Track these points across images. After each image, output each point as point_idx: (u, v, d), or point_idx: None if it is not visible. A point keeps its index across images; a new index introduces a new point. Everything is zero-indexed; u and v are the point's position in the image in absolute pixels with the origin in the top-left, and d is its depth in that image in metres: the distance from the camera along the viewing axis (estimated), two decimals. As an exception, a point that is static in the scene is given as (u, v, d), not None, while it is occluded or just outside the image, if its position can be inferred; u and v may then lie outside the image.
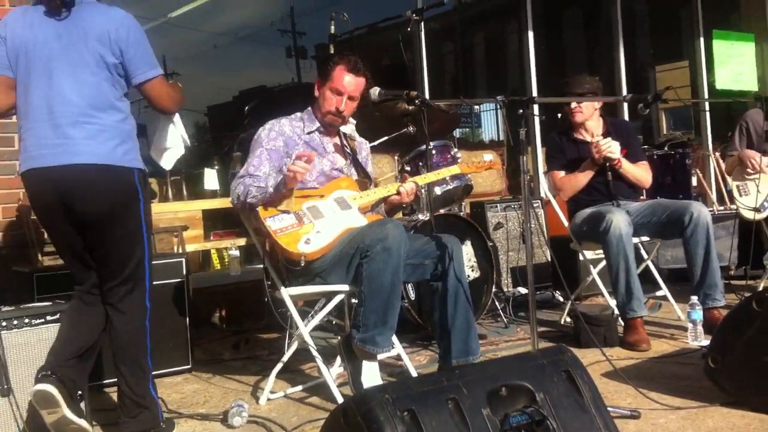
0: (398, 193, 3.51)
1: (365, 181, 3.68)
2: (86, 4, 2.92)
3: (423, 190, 4.38)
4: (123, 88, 2.95)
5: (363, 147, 3.86)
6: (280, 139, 3.48)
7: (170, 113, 3.24)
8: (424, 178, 3.72)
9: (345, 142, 3.74)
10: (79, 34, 2.84)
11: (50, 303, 3.31)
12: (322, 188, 3.46)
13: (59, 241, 3.05)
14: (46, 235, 4.57)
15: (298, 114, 3.64)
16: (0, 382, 2.99)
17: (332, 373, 3.39)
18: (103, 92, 2.87)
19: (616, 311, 4.24)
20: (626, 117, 8.12)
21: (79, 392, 2.92)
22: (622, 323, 4.19)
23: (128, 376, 2.97)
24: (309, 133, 3.55)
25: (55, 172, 2.81)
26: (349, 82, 3.51)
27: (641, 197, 4.84)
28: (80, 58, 2.84)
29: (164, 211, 4.35)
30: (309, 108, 3.64)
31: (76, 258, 3.01)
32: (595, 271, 4.62)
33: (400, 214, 4.74)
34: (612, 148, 4.38)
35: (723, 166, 5.49)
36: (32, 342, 3.11)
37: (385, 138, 4.74)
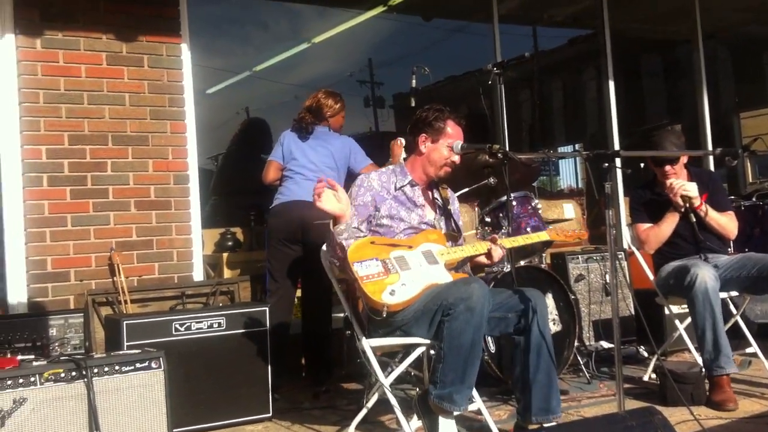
0: (488, 256, 3.51)
1: (455, 234, 3.68)
2: (324, 132, 4.94)
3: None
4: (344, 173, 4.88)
5: (454, 199, 3.89)
6: (368, 194, 3.55)
7: None
8: (513, 242, 3.69)
9: (437, 192, 3.77)
10: (322, 150, 4.85)
11: (139, 351, 3.41)
12: (410, 239, 3.48)
13: None
14: (135, 283, 4.74)
15: (390, 167, 3.73)
16: (90, 428, 3.08)
17: (411, 426, 3.34)
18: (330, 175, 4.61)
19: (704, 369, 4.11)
20: (711, 167, 7.94)
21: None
22: (708, 381, 4.06)
23: None
24: (400, 188, 3.59)
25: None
26: (460, 133, 3.66)
27: (729, 250, 4.70)
28: (322, 159, 4.81)
29: (250, 260, 4.45)
30: (402, 161, 3.72)
31: None
32: (681, 327, 4.48)
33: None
34: (686, 187, 4.28)
35: None
36: (122, 388, 3.20)
37: (466, 189, 4.75)
